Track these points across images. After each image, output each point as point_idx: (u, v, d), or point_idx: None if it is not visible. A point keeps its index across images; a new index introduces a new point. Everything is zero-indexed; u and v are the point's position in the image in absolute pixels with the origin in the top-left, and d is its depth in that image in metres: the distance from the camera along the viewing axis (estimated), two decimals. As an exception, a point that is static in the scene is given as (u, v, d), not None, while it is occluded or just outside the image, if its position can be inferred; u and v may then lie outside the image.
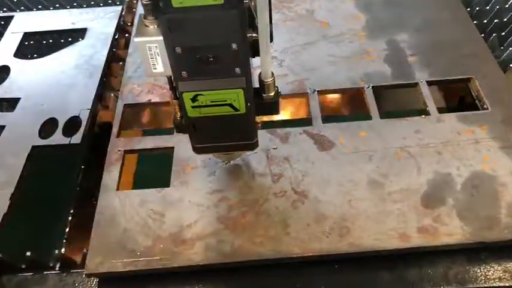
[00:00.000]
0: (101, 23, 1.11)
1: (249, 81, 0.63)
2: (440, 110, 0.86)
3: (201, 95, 0.62)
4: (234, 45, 0.58)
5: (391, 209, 0.73)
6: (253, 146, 0.72)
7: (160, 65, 0.61)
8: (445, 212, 0.72)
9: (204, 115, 0.65)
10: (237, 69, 0.61)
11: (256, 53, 0.62)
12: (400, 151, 0.80)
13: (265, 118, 0.87)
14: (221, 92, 0.62)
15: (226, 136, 0.69)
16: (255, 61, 0.64)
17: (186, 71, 0.60)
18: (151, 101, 0.92)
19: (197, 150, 0.72)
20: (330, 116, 0.89)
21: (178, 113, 0.68)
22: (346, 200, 0.74)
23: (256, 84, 0.67)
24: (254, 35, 0.59)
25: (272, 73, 0.66)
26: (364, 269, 0.70)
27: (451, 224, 0.71)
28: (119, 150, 0.84)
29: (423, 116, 0.86)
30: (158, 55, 0.60)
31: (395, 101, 0.95)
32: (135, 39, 0.59)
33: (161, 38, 0.58)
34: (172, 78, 0.63)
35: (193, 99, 0.63)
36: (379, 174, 0.77)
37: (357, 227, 0.71)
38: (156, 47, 0.59)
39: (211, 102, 0.63)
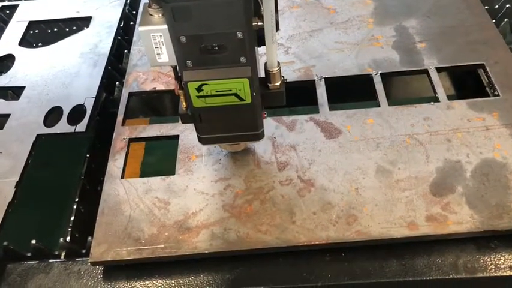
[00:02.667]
0: (105, 11, 1.11)
1: (255, 70, 0.62)
2: (450, 97, 0.85)
3: (206, 84, 0.61)
4: (239, 34, 0.57)
5: (400, 197, 0.72)
6: (259, 136, 0.71)
7: (165, 55, 0.60)
8: (455, 200, 0.71)
9: (210, 105, 0.64)
10: (243, 58, 0.60)
11: (261, 42, 0.61)
12: (408, 138, 0.79)
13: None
14: (226, 81, 0.61)
15: (231, 126, 0.69)
16: (261, 50, 0.64)
17: (191, 61, 0.60)
18: (157, 89, 0.91)
19: (203, 140, 0.71)
20: (337, 103, 0.87)
21: (184, 103, 0.67)
22: (353, 188, 0.73)
23: (262, 74, 0.66)
24: (259, 23, 0.59)
25: (278, 62, 0.65)
26: (372, 258, 0.69)
27: (460, 212, 0.69)
28: (124, 139, 0.84)
29: (432, 102, 0.84)
30: (163, 44, 0.59)
31: (403, 88, 0.93)
32: (140, 29, 0.58)
33: (166, 27, 0.57)
34: (177, 67, 0.62)
35: (199, 89, 0.62)
36: (387, 161, 0.76)
37: (365, 215, 0.70)
38: (160, 36, 0.58)
39: (217, 92, 0.62)
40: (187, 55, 0.59)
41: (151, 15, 0.58)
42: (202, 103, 0.64)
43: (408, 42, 0.95)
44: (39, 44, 1.05)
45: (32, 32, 1.08)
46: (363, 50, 0.94)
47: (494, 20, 0.99)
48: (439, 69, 0.89)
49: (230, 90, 0.62)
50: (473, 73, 0.91)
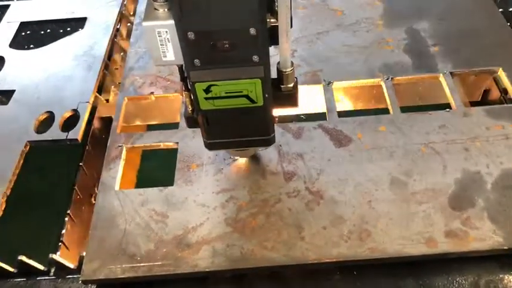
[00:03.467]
0: (101, 12, 1.06)
1: (268, 70, 0.57)
2: (466, 104, 0.80)
3: (215, 85, 0.57)
4: (252, 30, 0.53)
5: (416, 210, 0.67)
6: (269, 141, 0.66)
7: (171, 53, 0.56)
8: (475, 215, 0.66)
9: (218, 108, 0.60)
10: (255, 57, 0.55)
11: (274, 40, 0.56)
12: (424, 147, 0.74)
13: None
14: (237, 82, 0.57)
15: (241, 131, 0.64)
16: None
17: (199, 59, 0.55)
18: (154, 93, 0.86)
19: (210, 146, 0.67)
20: (346, 109, 0.83)
21: (190, 106, 0.63)
22: (366, 200, 0.68)
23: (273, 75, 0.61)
24: (273, 20, 0.54)
25: (292, 62, 0.60)
26: (387, 277, 0.64)
27: (482, 227, 0.65)
28: (119, 146, 0.79)
29: (448, 109, 0.79)
30: (169, 41, 0.55)
31: (416, 93, 0.88)
32: (144, 24, 0.53)
33: (172, 22, 0.53)
34: (184, 67, 0.58)
35: (207, 90, 0.58)
36: (401, 172, 0.71)
37: (379, 230, 0.65)
38: (166, 32, 0.54)
39: (226, 93, 0.58)
40: (195, 53, 0.55)
41: (157, 9, 0.53)
42: (210, 105, 0.60)
43: (420, 46, 0.90)
44: (31, 46, 1.00)
45: (23, 33, 1.04)
46: (372, 53, 0.90)
47: (508, 23, 0.94)
48: (453, 74, 0.84)
49: (241, 92, 0.58)
50: (489, 78, 0.87)
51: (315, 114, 0.85)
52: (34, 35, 1.03)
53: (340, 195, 0.69)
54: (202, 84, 0.57)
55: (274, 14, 0.53)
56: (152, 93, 0.87)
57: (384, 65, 0.87)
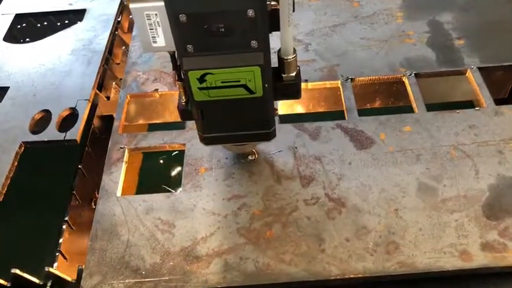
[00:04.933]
0: (101, 3, 1.01)
1: (268, 57, 0.52)
2: (497, 102, 0.74)
3: (210, 74, 0.52)
4: (250, 12, 0.48)
5: (448, 220, 0.61)
6: (270, 135, 0.61)
7: (162, 38, 0.51)
8: (514, 225, 0.60)
9: (214, 99, 0.55)
10: (254, 42, 0.51)
11: (275, 25, 0.52)
12: (453, 150, 0.68)
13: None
14: (234, 70, 0.52)
15: (239, 124, 0.59)
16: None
17: (192, 45, 0.51)
18: (159, 90, 0.80)
19: (205, 140, 0.62)
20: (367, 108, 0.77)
21: (184, 97, 0.58)
22: (392, 209, 0.62)
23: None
24: (273, 2, 0.50)
25: (294, 49, 0.55)
26: (417, 294, 0.58)
27: (521, 239, 0.59)
28: (121, 148, 0.73)
29: (477, 108, 0.73)
30: (159, 25, 0.50)
31: (442, 90, 0.82)
32: (131, 6, 0.49)
33: (162, 3, 0.48)
34: (176, 54, 0.53)
35: (201, 80, 0.53)
36: (430, 177, 0.65)
37: (407, 242, 0.59)
38: (156, 15, 0.49)
39: (222, 83, 0.53)
40: (188, 38, 0.50)
41: None
42: (205, 96, 0.55)
43: (444, 39, 0.84)
44: (27, 40, 0.94)
45: (18, 26, 0.98)
46: (393, 47, 0.84)
47: (537, 15, 0.88)
48: (481, 69, 0.78)
49: (238, 81, 0.53)
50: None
51: (332, 112, 0.79)
52: (30, 27, 0.98)
53: (364, 203, 0.63)
54: (196, 73, 0.52)
55: None
56: (156, 90, 0.81)
57: (405, 60, 0.81)
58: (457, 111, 0.73)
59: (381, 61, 0.81)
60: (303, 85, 0.79)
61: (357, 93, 0.83)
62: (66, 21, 0.98)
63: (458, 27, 0.86)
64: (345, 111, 0.74)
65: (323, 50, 0.84)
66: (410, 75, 0.78)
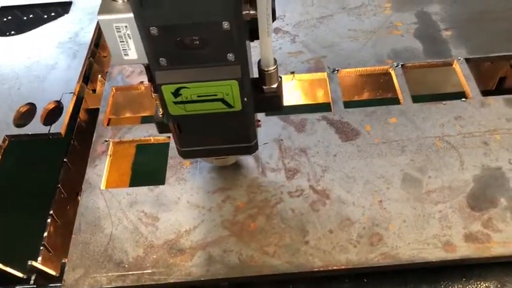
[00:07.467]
0: (88, -4, 0.99)
1: (246, 70, 0.50)
2: (484, 93, 0.74)
3: (185, 88, 0.50)
4: (225, 24, 0.46)
5: (432, 211, 0.61)
6: (251, 149, 0.60)
7: (133, 51, 0.49)
8: (498, 216, 0.60)
9: (190, 113, 0.53)
10: (230, 55, 0.48)
11: (254, 35, 0.50)
12: (438, 141, 0.68)
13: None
14: (210, 84, 0.50)
15: (218, 138, 0.58)
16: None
17: (165, 58, 0.49)
18: (144, 83, 0.80)
19: (184, 154, 0.60)
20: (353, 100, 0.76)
21: (160, 109, 0.55)
22: (376, 200, 0.62)
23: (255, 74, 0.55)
24: (252, 12, 0.47)
25: (275, 60, 0.53)
26: (400, 285, 0.58)
27: (505, 230, 0.59)
28: (106, 141, 0.73)
29: (464, 99, 0.73)
30: (130, 38, 0.48)
31: (428, 82, 0.82)
32: (99, 17, 0.46)
33: (132, 15, 0.46)
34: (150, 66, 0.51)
35: (175, 94, 0.51)
36: (414, 168, 0.65)
37: (391, 233, 0.59)
38: (125, 27, 0.47)
39: (199, 97, 0.51)
40: (160, 51, 0.48)
41: (115, 0, 0.46)
42: (181, 110, 0.52)
43: (432, 30, 0.84)
44: (12, 32, 0.93)
45: (4, 18, 0.97)
46: (380, 38, 0.83)
47: (526, 6, 0.88)
48: (468, 61, 0.78)
49: (215, 95, 0.51)
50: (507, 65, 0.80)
51: (318, 104, 0.78)
52: (15, 20, 0.96)
53: (348, 195, 0.63)
54: (169, 87, 0.50)
55: (254, 4, 0.46)
56: (142, 82, 0.80)
57: (392, 51, 0.81)
58: (443, 102, 0.73)
59: (368, 53, 0.81)
60: (289, 77, 0.79)
61: (345, 85, 0.83)
62: (52, 14, 0.96)
63: (446, 18, 0.86)
64: (331, 103, 0.74)
65: (310, 41, 0.84)
66: (396, 66, 0.78)
